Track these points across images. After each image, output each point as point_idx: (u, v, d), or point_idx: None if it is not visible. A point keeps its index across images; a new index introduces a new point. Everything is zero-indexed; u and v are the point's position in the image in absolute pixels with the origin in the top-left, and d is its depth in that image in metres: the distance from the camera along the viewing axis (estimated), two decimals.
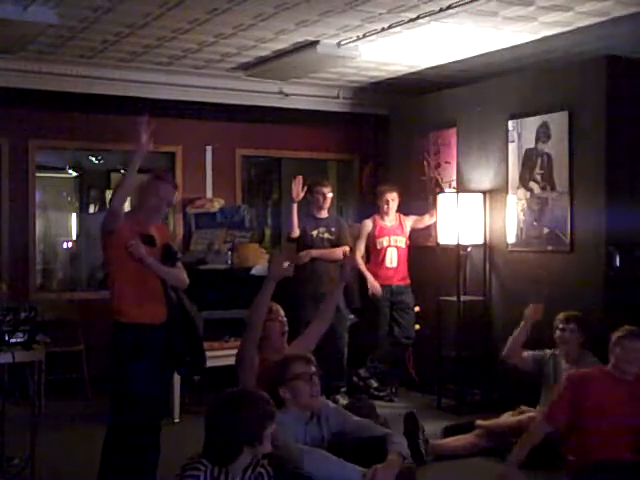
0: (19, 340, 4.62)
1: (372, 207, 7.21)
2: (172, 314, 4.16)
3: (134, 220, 4.13)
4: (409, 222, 7.09)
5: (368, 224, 7.05)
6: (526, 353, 5.40)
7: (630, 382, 4.21)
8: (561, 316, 5.23)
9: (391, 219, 7.04)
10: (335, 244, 6.76)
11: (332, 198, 6.92)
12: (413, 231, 7.12)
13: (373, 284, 6.88)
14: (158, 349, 4.09)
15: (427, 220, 7.05)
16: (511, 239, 6.43)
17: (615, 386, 4.18)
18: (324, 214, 6.82)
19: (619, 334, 4.28)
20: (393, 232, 7.01)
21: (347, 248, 6.76)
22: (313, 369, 3.76)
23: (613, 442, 4.08)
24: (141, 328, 4.04)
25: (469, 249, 6.74)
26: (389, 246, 6.98)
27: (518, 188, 6.34)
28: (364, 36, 6.18)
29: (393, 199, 7.00)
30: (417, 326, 7.07)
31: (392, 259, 6.98)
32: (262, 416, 3.07)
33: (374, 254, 7.05)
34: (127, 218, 4.13)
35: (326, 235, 6.77)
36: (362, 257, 7.06)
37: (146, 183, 4.18)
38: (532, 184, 6.23)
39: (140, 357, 4.01)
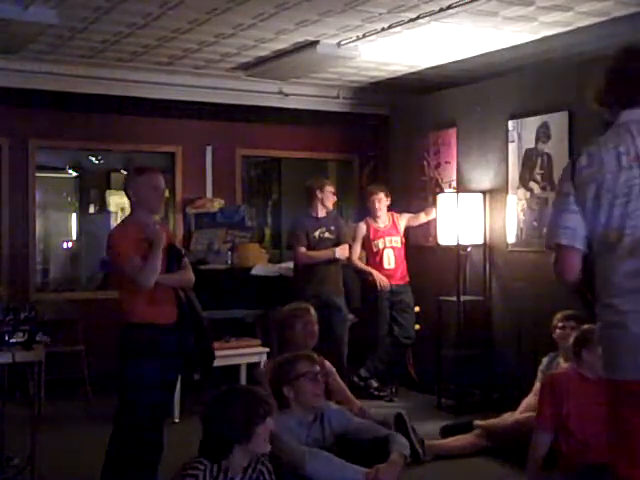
0: (19, 340, 4.62)
1: None
2: (182, 314, 4.17)
3: (137, 222, 4.11)
4: (403, 221, 7.09)
5: (362, 227, 7.04)
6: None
7: (595, 380, 4.24)
8: (559, 315, 5.24)
9: (384, 220, 7.03)
10: (336, 242, 6.75)
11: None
12: (412, 230, 7.12)
13: (379, 277, 6.86)
14: (170, 349, 4.07)
15: (423, 218, 7.05)
16: (511, 239, 6.43)
17: (584, 385, 4.22)
18: (323, 213, 6.81)
19: (586, 334, 4.29)
20: (388, 233, 7.01)
21: (347, 246, 6.76)
22: (318, 368, 3.76)
23: (596, 442, 4.10)
24: (155, 328, 4.03)
25: (469, 249, 6.74)
26: (385, 248, 6.97)
27: (518, 188, 6.34)
28: (364, 36, 6.18)
29: (382, 199, 6.99)
30: (417, 326, 7.07)
31: (389, 260, 6.97)
32: (250, 415, 3.04)
33: (371, 256, 7.04)
34: (129, 226, 4.14)
35: (327, 234, 6.76)
36: (359, 259, 7.06)
37: (131, 181, 4.17)
38: (532, 184, 6.22)
39: (154, 357, 3.99)
